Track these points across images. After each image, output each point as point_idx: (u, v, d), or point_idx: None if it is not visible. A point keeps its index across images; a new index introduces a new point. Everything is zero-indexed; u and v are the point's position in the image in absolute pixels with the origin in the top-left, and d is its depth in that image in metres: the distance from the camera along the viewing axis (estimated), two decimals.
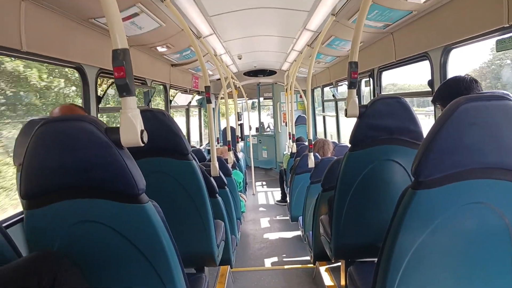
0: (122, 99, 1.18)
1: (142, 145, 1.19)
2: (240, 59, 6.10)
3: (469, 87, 1.74)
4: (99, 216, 1.23)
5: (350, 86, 1.86)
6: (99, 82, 2.91)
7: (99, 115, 2.93)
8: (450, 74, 2.54)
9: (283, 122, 8.62)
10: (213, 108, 7.90)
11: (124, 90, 1.17)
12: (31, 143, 1.18)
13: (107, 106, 3.74)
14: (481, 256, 1.23)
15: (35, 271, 1.08)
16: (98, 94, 2.87)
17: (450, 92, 1.79)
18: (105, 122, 1.28)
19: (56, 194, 1.21)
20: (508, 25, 1.83)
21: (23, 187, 1.21)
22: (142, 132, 1.18)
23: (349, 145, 1.93)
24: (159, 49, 3.70)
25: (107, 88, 3.37)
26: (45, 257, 1.14)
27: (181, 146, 1.96)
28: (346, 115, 1.85)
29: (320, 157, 3.80)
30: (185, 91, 5.84)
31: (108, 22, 1.16)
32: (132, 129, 1.17)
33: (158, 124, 1.90)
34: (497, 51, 2.01)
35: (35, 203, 1.23)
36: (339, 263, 2.75)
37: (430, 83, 2.68)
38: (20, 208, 1.98)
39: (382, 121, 1.82)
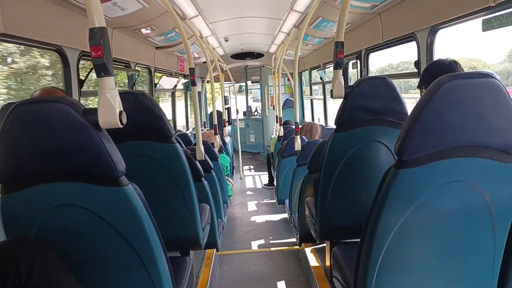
0: (100, 79, 1.14)
1: (121, 126, 1.15)
2: (226, 41, 6.02)
3: (449, 68, 1.75)
4: (77, 199, 1.20)
5: (336, 67, 1.83)
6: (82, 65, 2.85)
7: (82, 99, 2.86)
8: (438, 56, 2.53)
9: (271, 105, 8.59)
10: (199, 92, 7.82)
11: (102, 70, 1.13)
12: (5, 125, 1.14)
13: (89, 90, 3.66)
14: (463, 234, 1.24)
15: (13, 256, 1.06)
16: (81, 77, 2.80)
17: (431, 75, 1.79)
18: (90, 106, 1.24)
19: (32, 177, 1.18)
20: (494, 4, 1.82)
21: None
22: (121, 113, 1.15)
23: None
24: (143, 31, 3.61)
25: (90, 71, 3.29)
26: (22, 242, 1.12)
27: (164, 129, 1.93)
28: (331, 96, 1.83)
29: (306, 140, 3.80)
30: (170, 74, 5.75)
31: (84, 0, 1.11)
32: (110, 110, 1.13)
33: (140, 107, 1.86)
34: (483, 31, 2.00)
35: (11, 187, 1.19)
36: (325, 244, 2.78)
37: (417, 64, 2.67)
38: None
39: (368, 102, 1.81)
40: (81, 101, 2.88)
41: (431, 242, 1.26)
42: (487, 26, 1.96)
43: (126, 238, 1.24)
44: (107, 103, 1.13)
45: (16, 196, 1.19)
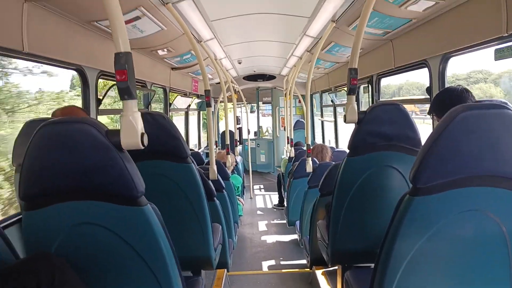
0: (124, 102, 1.19)
1: (143, 148, 1.20)
2: (240, 63, 6.11)
3: (460, 96, 1.78)
4: (98, 218, 1.24)
5: (349, 92, 1.87)
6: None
7: (99, 117, 2.93)
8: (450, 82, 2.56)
9: (282, 126, 8.63)
10: (212, 112, 7.89)
11: (125, 93, 1.18)
12: (31, 144, 1.19)
13: (107, 108, 3.75)
14: (478, 264, 1.24)
15: (34, 272, 1.09)
16: (98, 96, 2.88)
17: (442, 103, 1.83)
18: (104, 123, 1.29)
19: (55, 195, 1.22)
20: (507, 34, 1.85)
21: (22, 188, 1.22)
22: (142, 135, 1.19)
23: (347, 151, 1.94)
24: (160, 52, 3.71)
25: (107, 90, 3.38)
26: (43, 258, 1.14)
27: (180, 149, 1.97)
28: (345, 121, 1.86)
29: (318, 162, 3.81)
30: (184, 94, 5.85)
31: (111, 26, 1.17)
32: (132, 132, 1.18)
33: (158, 127, 1.91)
34: (495, 60, 2.03)
35: (34, 204, 1.23)
36: (336, 267, 2.76)
37: (429, 90, 2.70)
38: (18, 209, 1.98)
39: (381, 128, 1.83)
40: (98, 119, 2.95)
41: (446, 271, 1.26)
42: (500, 55, 1.99)
43: (143, 257, 1.27)
44: (129, 125, 1.18)
45: (38, 213, 1.23)
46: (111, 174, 1.19)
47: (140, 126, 1.19)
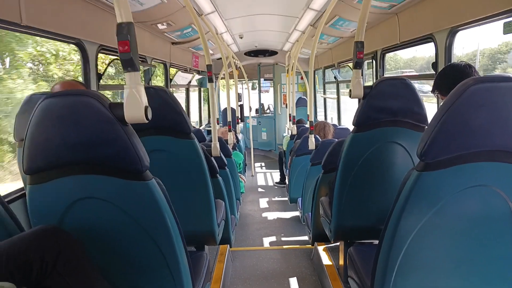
0: (127, 74, 1.16)
1: (147, 121, 1.17)
2: (241, 38, 6.02)
3: (464, 72, 1.74)
4: (103, 192, 1.23)
5: (355, 66, 1.83)
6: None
7: (99, 92, 2.90)
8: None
9: (283, 103, 8.58)
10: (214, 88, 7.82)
11: (128, 65, 1.15)
12: (34, 117, 1.17)
13: (108, 83, 3.71)
14: (484, 239, 1.23)
15: (39, 245, 1.09)
16: (98, 71, 2.83)
17: (445, 80, 1.79)
18: None
19: (59, 169, 1.21)
20: None
21: (26, 162, 1.21)
22: (146, 108, 1.17)
23: (350, 128, 1.92)
24: (160, 26, 3.64)
25: (108, 65, 3.33)
26: (49, 232, 1.14)
27: (183, 125, 1.95)
28: (350, 96, 1.83)
29: (320, 139, 3.79)
30: (185, 70, 5.78)
31: None
32: (136, 105, 1.15)
33: (161, 102, 1.88)
34: (504, 34, 1.98)
35: (38, 178, 1.22)
36: (337, 243, 2.78)
37: (434, 66, 2.65)
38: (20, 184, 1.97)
39: (387, 103, 1.80)
40: None
41: (451, 246, 1.25)
42: (509, 29, 1.94)
43: (148, 232, 1.27)
44: (133, 98, 1.15)
45: (43, 187, 1.22)
46: (115, 148, 1.18)
47: (144, 99, 1.17)
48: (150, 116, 1.18)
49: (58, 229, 1.17)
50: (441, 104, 1.18)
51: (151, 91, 1.83)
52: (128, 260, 1.32)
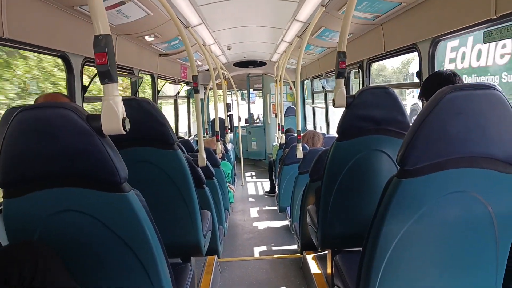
0: (104, 86, 1.16)
1: (124, 133, 1.17)
2: (229, 49, 6.05)
3: (448, 80, 1.78)
4: (80, 205, 1.21)
5: (338, 76, 1.85)
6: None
7: (85, 104, 2.88)
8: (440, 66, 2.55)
9: (273, 113, 8.62)
10: (202, 99, 7.84)
11: (106, 76, 1.14)
12: (8, 130, 1.15)
13: (93, 96, 3.69)
14: (466, 245, 1.25)
15: (16, 260, 1.07)
16: (84, 83, 2.82)
17: (430, 87, 1.82)
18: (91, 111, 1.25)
19: (35, 182, 1.19)
20: (495, 17, 1.84)
21: (1, 176, 1.18)
22: (124, 119, 1.16)
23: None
24: (147, 38, 3.65)
25: (93, 77, 3.32)
26: (25, 246, 1.12)
27: (166, 135, 1.94)
28: (333, 105, 1.85)
29: (308, 148, 3.81)
30: (173, 81, 5.79)
31: (90, 7, 1.13)
32: (113, 117, 1.14)
33: (143, 113, 1.87)
34: (485, 43, 2.03)
35: (14, 192, 1.20)
36: (326, 252, 2.78)
37: (419, 75, 2.70)
38: None
39: (370, 111, 1.82)
40: (85, 107, 2.90)
41: (434, 252, 1.26)
42: (489, 38, 1.99)
43: (128, 244, 1.25)
44: (110, 109, 1.14)
45: (19, 200, 1.20)
46: (92, 160, 1.17)
47: (121, 110, 1.16)
48: (128, 127, 1.17)
49: (36, 243, 1.15)
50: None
51: (133, 102, 1.82)
52: (107, 273, 1.30)
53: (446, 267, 1.28)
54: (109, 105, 1.14)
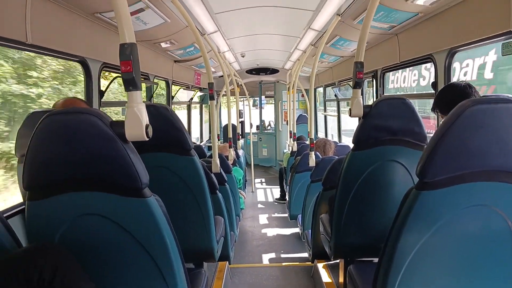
0: (129, 93, 1.19)
1: (147, 139, 1.19)
2: (243, 56, 6.10)
3: (463, 92, 1.77)
4: (101, 209, 1.24)
5: (355, 86, 1.86)
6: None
7: (101, 109, 2.93)
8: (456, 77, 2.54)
9: (284, 120, 8.62)
10: (215, 105, 7.86)
11: (130, 84, 1.17)
12: (35, 134, 1.18)
13: (110, 100, 3.75)
14: (483, 259, 1.23)
15: (36, 262, 1.08)
16: (101, 88, 2.87)
17: (445, 99, 1.82)
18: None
19: (59, 186, 1.22)
20: None
21: (26, 178, 1.22)
22: (147, 126, 1.19)
23: (350, 145, 1.94)
24: (163, 45, 3.70)
25: (110, 82, 3.38)
26: (46, 249, 1.14)
27: (183, 141, 1.97)
28: (350, 115, 1.86)
29: (321, 156, 3.81)
30: (187, 87, 5.84)
31: (117, 16, 1.16)
32: (137, 124, 1.17)
33: (162, 119, 1.90)
34: (503, 55, 2.02)
35: (38, 194, 1.23)
36: (337, 261, 2.76)
37: (434, 85, 2.69)
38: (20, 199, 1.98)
39: (386, 122, 1.83)
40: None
41: (451, 265, 1.26)
42: (507, 50, 1.98)
43: (147, 249, 1.27)
44: (134, 116, 1.17)
45: (42, 203, 1.23)
46: (115, 165, 1.19)
47: (145, 117, 1.19)
48: (150, 134, 1.20)
49: (56, 246, 1.17)
50: (440, 123, 1.20)
51: (151, 109, 1.85)
52: (125, 277, 1.31)
53: (463, 280, 1.27)
54: (133, 112, 1.16)
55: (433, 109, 1.96)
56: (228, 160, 4.15)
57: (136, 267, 1.30)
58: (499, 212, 1.18)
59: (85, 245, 1.27)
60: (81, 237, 1.26)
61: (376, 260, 1.38)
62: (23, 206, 1.33)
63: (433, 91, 2.72)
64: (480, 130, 1.11)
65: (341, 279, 2.44)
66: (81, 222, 1.25)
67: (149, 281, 1.32)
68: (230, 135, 4.54)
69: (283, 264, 3.71)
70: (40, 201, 1.23)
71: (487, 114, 1.11)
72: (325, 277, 2.92)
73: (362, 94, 4.51)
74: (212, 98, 3.04)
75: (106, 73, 3.30)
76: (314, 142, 3.90)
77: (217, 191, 2.78)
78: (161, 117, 1.91)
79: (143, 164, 1.26)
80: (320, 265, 3.11)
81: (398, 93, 5.02)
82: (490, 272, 1.25)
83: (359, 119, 1.91)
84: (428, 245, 1.21)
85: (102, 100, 2.90)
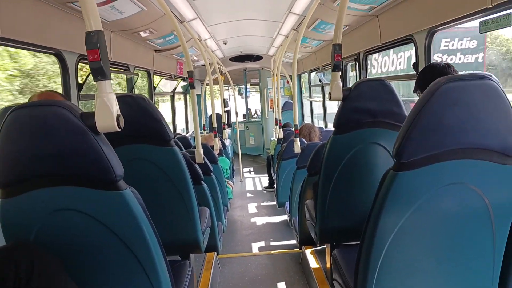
0: (97, 83, 1.14)
1: (118, 130, 1.15)
2: (225, 44, 6.03)
3: (443, 71, 1.76)
4: (76, 204, 1.20)
5: (333, 69, 1.83)
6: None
7: (80, 102, 2.86)
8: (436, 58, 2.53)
9: (270, 108, 8.59)
10: (198, 95, 7.81)
11: (99, 73, 1.12)
12: (2, 129, 1.14)
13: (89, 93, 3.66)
14: (462, 236, 1.24)
15: (12, 260, 1.06)
16: (79, 81, 2.80)
17: (426, 79, 1.80)
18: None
19: (31, 182, 1.18)
20: (491, 6, 1.83)
21: None
22: (118, 117, 1.14)
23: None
24: (142, 34, 3.62)
25: (88, 74, 3.29)
26: (22, 246, 1.12)
27: (162, 132, 1.92)
28: (330, 99, 1.83)
29: (306, 142, 3.79)
30: (169, 77, 5.76)
31: (81, 4, 1.10)
32: (107, 114, 1.12)
33: (139, 110, 1.85)
34: (481, 33, 2.01)
35: (9, 192, 1.19)
36: (325, 247, 2.77)
37: (415, 66, 2.68)
38: None
39: (366, 104, 1.81)
40: (82, 105, 2.89)
41: (431, 245, 1.26)
42: (485, 27, 1.97)
43: (125, 242, 1.24)
44: (104, 106, 1.12)
45: (14, 200, 1.19)
46: (87, 158, 1.15)
47: (115, 107, 1.14)
48: (122, 125, 1.15)
49: (32, 245, 1.14)
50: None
51: (128, 99, 1.80)
52: (105, 272, 1.29)
53: (443, 259, 1.28)
54: (103, 102, 1.12)
55: (415, 91, 1.95)
56: (213, 150, 4.11)
57: (115, 261, 1.27)
58: (476, 190, 1.18)
59: (62, 241, 1.24)
60: (57, 233, 1.23)
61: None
62: None
63: (414, 72, 2.71)
64: (454, 107, 1.10)
65: (327, 264, 2.45)
66: (57, 218, 1.21)
67: (129, 275, 1.29)
68: (215, 124, 4.49)
69: (272, 252, 3.72)
70: (12, 198, 1.19)
71: (461, 91, 1.10)
72: (313, 263, 2.93)
73: (343, 77, 4.51)
74: (192, 87, 2.98)
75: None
76: (299, 128, 3.88)
77: (202, 181, 2.75)
78: (139, 107, 1.85)
79: (117, 156, 1.22)
80: (308, 251, 3.12)
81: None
82: (469, 249, 1.25)
83: (339, 102, 1.89)
84: (407, 226, 1.20)
85: (81, 93, 2.83)
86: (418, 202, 1.17)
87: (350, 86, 1.84)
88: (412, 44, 2.71)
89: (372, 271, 1.26)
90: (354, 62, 4.07)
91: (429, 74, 1.82)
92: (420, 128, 1.12)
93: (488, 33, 2.12)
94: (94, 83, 1.13)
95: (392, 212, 1.19)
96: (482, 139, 1.14)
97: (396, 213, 1.19)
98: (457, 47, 8.40)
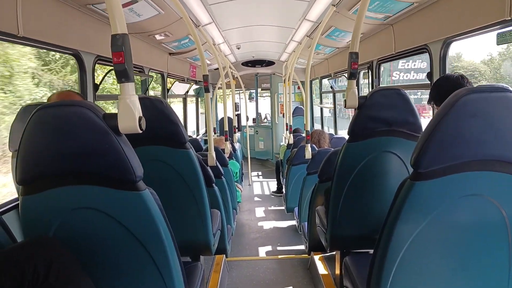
0: (121, 85, 1.17)
1: (140, 132, 1.18)
2: (238, 48, 6.06)
3: (456, 82, 1.76)
4: (96, 202, 1.22)
5: (350, 77, 1.85)
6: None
7: (96, 102, 2.90)
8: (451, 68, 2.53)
9: (281, 113, 8.60)
10: (211, 98, 7.84)
11: (123, 75, 1.15)
12: (27, 128, 1.17)
13: (105, 94, 3.71)
14: (478, 248, 1.24)
15: (31, 257, 1.08)
16: (95, 81, 2.84)
17: (439, 91, 1.81)
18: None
19: (52, 180, 1.21)
20: (509, 18, 1.82)
21: (19, 173, 1.20)
22: (140, 119, 1.17)
23: (346, 137, 1.93)
24: (157, 37, 3.67)
25: (105, 75, 3.34)
26: (41, 243, 1.14)
27: (178, 134, 1.95)
28: (345, 106, 1.84)
29: (317, 149, 3.80)
30: (182, 80, 5.80)
31: (108, 7, 1.14)
32: (130, 116, 1.15)
33: (156, 112, 1.88)
34: (498, 44, 2.01)
35: (31, 189, 1.22)
36: (333, 253, 2.77)
37: (429, 76, 2.68)
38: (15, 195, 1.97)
39: (381, 113, 1.82)
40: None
41: (446, 255, 1.26)
42: (502, 39, 1.96)
43: (142, 242, 1.26)
44: (127, 108, 1.15)
45: (36, 198, 1.22)
46: (109, 158, 1.18)
47: (138, 109, 1.17)
48: (144, 127, 1.18)
49: (51, 240, 1.16)
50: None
51: (146, 101, 1.83)
52: (120, 270, 1.31)
53: (458, 270, 1.27)
54: (126, 104, 1.15)
55: (429, 102, 1.95)
56: (224, 153, 4.13)
57: (131, 260, 1.30)
58: (493, 202, 1.18)
59: (80, 239, 1.26)
60: (76, 231, 1.25)
61: (371, 251, 1.38)
62: (18, 202, 1.32)
63: (428, 82, 2.71)
64: (474, 119, 1.10)
65: (337, 271, 2.45)
66: (76, 216, 1.23)
67: (144, 275, 1.31)
68: (226, 128, 4.52)
69: (280, 256, 3.72)
70: (34, 195, 1.22)
71: (481, 103, 1.10)
72: (322, 269, 2.93)
73: (357, 85, 4.51)
74: (207, 90, 3.01)
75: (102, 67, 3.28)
76: (310, 134, 3.89)
77: (213, 184, 2.77)
78: (156, 110, 1.89)
79: (137, 157, 1.24)
80: (316, 257, 3.12)
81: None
82: (485, 261, 1.25)
83: (354, 110, 1.90)
84: (422, 236, 1.20)
85: (96, 93, 2.87)
86: (434, 212, 1.18)
87: (366, 95, 1.85)
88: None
89: (386, 279, 1.26)
90: (367, 70, 4.07)
91: (444, 86, 1.82)
92: (439, 138, 1.13)
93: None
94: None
95: (408, 221, 1.19)
96: (501, 151, 1.14)
97: (412, 222, 1.20)
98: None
